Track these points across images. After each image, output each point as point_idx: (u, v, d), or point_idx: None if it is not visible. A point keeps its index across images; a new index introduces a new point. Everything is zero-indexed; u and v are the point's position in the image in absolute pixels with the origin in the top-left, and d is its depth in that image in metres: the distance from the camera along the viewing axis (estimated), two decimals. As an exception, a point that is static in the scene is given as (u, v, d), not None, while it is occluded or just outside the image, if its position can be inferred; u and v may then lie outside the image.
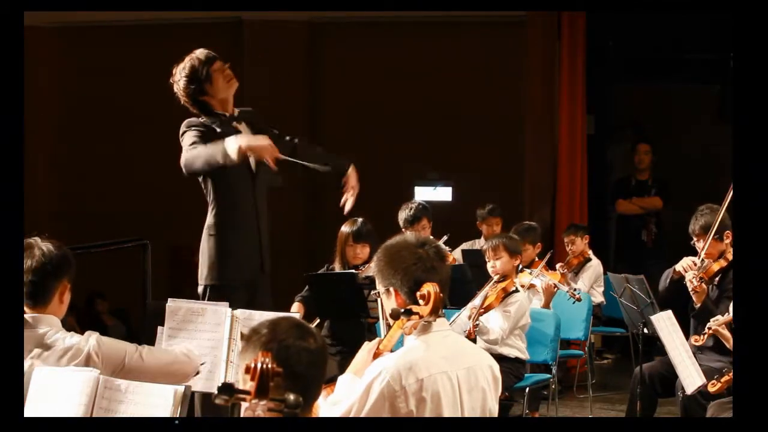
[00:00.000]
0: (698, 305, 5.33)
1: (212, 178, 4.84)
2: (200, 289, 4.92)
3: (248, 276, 4.88)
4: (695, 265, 5.37)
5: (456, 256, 7.16)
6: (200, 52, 4.88)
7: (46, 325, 3.33)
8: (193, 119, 4.88)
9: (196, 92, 4.85)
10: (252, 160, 4.83)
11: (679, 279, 5.49)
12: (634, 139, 9.50)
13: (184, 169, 4.75)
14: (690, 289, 5.32)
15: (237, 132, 4.81)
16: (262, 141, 4.59)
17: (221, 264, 4.86)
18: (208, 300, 4.78)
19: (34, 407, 3.02)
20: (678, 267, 5.48)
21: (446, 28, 9.47)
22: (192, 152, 4.67)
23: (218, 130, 4.80)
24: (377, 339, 3.32)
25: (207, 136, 4.74)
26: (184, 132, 4.83)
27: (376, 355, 3.23)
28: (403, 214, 6.55)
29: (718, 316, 5.06)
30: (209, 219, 4.92)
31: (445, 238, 6.41)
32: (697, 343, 5.16)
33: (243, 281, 4.84)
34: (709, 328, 5.05)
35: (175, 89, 4.90)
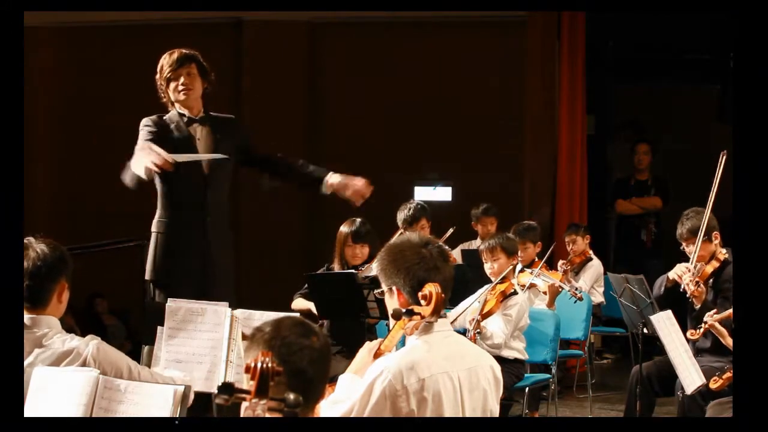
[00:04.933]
0: (698, 306, 5.31)
1: (159, 178, 4.89)
2: None
3: (189, 285, 4.75)
4: (689, 270, 5.34)
5: (455, 255, 7.15)
6: (175, 54, 4.94)
7: (45, 326, 3.32)
8: (148, 118, 4.98)
9: (160, 89, 5.01)
10: (204, 164, 4.89)
11: (673, 287, 5.47)
12: (634, 139, 9.50)
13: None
14: (689, 295, 5.30)
15: (190, 134, 4.94)
16: (148, 154, 4.62)
17: (159, 263, 4.92)
18: (151, 294, 4.89)
19: (34, 407, 3.02)
20: (671, 275, 5.44)
21: (446, 28, 9.47)
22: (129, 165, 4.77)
23: (172, 127, 4.94)
24: (378, 339, 3.33)
25: (158, 135, 4.87)
26: (140, 130, 4.96)
27: (377, 355, 3.23)
28: (401, 215, 6.52)
29: (716, 310, 5.07)
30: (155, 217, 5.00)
31: (450, 231, 6.39)
32: (693, 338, 5.14)
33: (182, 287, 4.65)
34: (705, 322, 5.04)
35: None
